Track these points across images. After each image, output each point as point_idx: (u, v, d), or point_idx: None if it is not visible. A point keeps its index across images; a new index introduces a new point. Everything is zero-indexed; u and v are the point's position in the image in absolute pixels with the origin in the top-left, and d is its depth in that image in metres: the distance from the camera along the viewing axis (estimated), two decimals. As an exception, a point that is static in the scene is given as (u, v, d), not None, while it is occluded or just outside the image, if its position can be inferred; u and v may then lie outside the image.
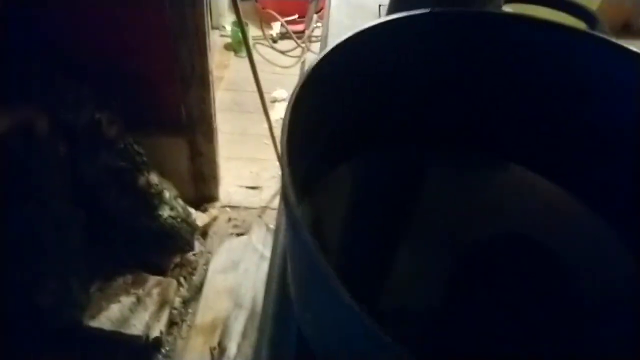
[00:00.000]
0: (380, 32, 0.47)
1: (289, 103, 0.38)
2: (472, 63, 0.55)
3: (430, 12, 0.51)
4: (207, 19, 1.25)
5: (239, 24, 1.24)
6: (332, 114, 0.52)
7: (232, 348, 1.23)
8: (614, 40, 0.51)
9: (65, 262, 1.13)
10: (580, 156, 0.56)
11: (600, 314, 0.53)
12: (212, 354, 1.22)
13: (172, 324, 1.37)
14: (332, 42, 0.42)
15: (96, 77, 1.16)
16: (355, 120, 0.56)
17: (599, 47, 0.51)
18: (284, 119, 0.37)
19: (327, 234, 0.60)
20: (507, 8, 0.70)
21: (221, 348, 1.24)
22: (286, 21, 2.44)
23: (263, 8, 2.43)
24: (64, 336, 1.18)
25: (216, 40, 2.41)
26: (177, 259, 1.44)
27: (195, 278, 1.47)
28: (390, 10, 0.81)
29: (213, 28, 2.40)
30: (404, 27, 0.49)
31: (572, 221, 0.58)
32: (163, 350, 1.32)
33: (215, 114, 1.50)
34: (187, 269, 1.49)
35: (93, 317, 1.20)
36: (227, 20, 2.48)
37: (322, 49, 1.02)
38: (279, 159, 0.37)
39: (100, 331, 1.19)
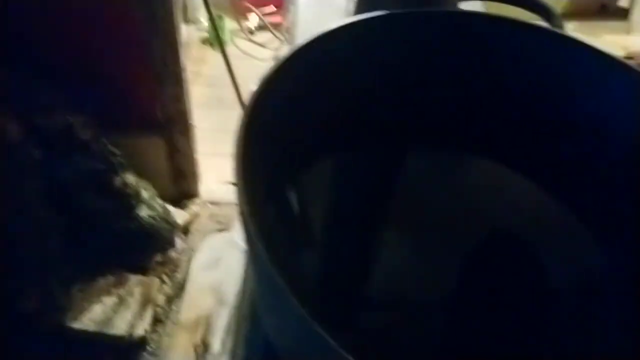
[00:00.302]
0: (341, 35, 0.48)
1: (245, 111, 0.39)
2: (438, 62, 0.56)
3: (390, 13, 0.52)
4: (177, 13, 1.25)
5: (209, 16, 1.24)
6: (300, 113, 0.53)
7: (215, 344, 1.25)
8: (568, 34, 0.52)
9: (45, 266, 1.14)
10: (550, 151, 0.58)
11: (576, 306, 0.55)
12: (195, 351, 1.24)
13: (156, 321, 1.38)
14: (291, 48, 0.43)
15: (68, 80, 1.15)
16: (324, 121, 0.58)
17: (555, 41, 0.53)
18: (238, 128, 0.38)
19: (314, 225, 0.62)
20: (467, 6, 0.71)
21: (205, 345, 1.25)
22: (263, 13, 2.42)
23: (239, 0, 2.42)
24: (48, 340, 1.19)
25: (193, 35, 2.40)
26: (159, 258, 1.45)
27: (179, 275, 1.48)
28: (357, 7, 0.82)
29: (189, 22, 2.38)
30: (364, 29, 0.50)
31: (546, 216, 0.60)
32: (149, 348, 1.34)
33: (191, 111, 1.50)
34: (170, 267, 1.50)
35: (76, 319, 1.20)
36: (203, 14, 2.46)
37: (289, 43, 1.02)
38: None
39: (84, 333, 1.20)
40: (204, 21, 2.41)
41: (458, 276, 0.60)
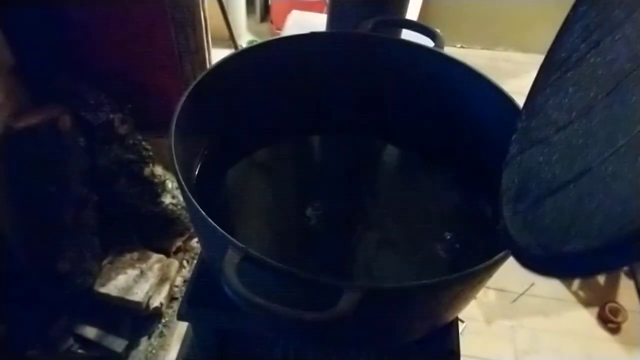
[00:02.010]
0: (264, 50, 0.69)
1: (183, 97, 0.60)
2: (358, 73, 0.75)
3: (311, 33, 0.72)
4: (207, 38, 1.49)
5: (233, 42, 1.46)
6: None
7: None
8: (444, 53, 0.70)
9: (81, 236, 1.37)
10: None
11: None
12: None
13: (173, 299, 1.59)
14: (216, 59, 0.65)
15: (113, 86, 1.41)
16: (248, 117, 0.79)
17: (434, 57, 0.71)
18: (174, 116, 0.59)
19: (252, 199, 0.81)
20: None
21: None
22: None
23: (277, 29, 2.68)
24: (77, 299, 1.42)
25: (234, 58, 2.67)
26: (180, 244, 1.67)
27: (196, 261, 1.69)
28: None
29: (231, 47, 2.66)
30: (288, 45, 0.71)
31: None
32: (163, 320, 1.54)
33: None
34: (190, 254, 1.72)
35: (102, 284, 1.43)
36: (244, 39, 2.74)
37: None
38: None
39: (107, 296, 1.42)
40: (244, 45, 2.68)
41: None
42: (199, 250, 1.72)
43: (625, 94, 0.38)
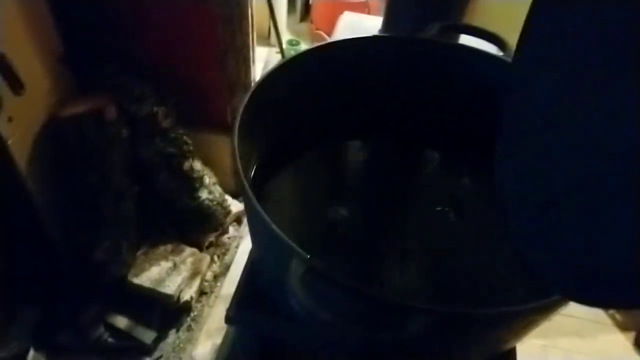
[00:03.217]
0: (331, 51, 0.68)
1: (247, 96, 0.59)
2: (414, 78, 0.73)
3: (374, 36, 0.70)
4: (253, 35, 1.48)
5: (278, 40, 1.46)
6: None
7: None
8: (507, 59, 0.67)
9: (119, 226, 1.38)
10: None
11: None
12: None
13: (202, 293, 1.59)
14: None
15: (158, 79, 1.41)
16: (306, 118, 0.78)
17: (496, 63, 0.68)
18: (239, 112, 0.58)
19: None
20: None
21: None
22: (338, 42, 2.65)
23: (316, 29, 2.66)
24: (110, 288, 1.43)
25: (272, 56, 2.67)
26: (212, 239, 1.67)
27: (227, 258, 1.69)
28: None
29: (271, 45, 2.66)
30: (353, 47, 0.69)
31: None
32: (192, 314, 1.55)
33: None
34: (221, 250, 1.72)
35: (136, 275, 1.44)
36: (284, 38, 2.73)
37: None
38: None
39: (140, 287, 1.43)
40: (284, 45, 2.68)
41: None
42: (230, 247, 1.72)
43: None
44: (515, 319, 0.46)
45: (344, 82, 0.77)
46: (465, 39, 0.73)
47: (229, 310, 0.65)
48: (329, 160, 0.87)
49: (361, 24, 1.09)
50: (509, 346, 0.60)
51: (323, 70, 0.74)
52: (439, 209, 0.76)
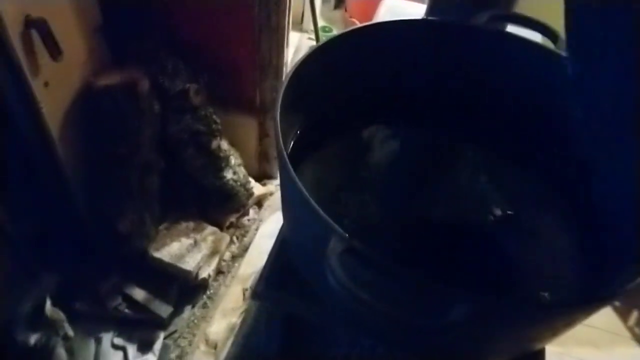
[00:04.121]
0: (365, 33, 0.66)
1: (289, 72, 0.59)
2: (454, 66, 0.72)
3: (422, 19, 0.69)
4: (289, 18, 1.47)
5: (314, 26, 1.44)
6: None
7: (261, 293, 1.44)
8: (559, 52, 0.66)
9: (144, 200, 1.40)
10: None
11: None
12: (244, 293, 1.44)
13: (219, 272, 1.60)
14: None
15: (191, 55, 1.41)
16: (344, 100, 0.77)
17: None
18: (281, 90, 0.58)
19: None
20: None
21: (252, 290, 1.45)
22: (369, 32, 2.62)
23: (350, 17, 2.64)
24: (131, 260, 1.44)
25: (303, 42, 2.65)
26: (233, 220, 1.67)
27: (246, 240, 1.70)
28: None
29: (303, 31, 2.65)
30: (394, 30, 0.68)
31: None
32: (208, 292, 1.56)
33: (285, 103, 1.72)
34: (241, 231, 1.72)
35: (157, 249, 1.45)
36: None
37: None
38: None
39: (160, 261, 1.44)
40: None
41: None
42: (249, 229, 1.73)
43: None
44: (572, 314, 0.45)
45: (381, 66, 0.75)
46: (513, 30, 0.72)
47: (257, 286, 0.64)
48: (359, 146, 0.86)
49: (403, 10, 1.07)
50: (540, 346, 0.59)
51: (361, 53, 0.73)
52: (476, 201, 0.75)
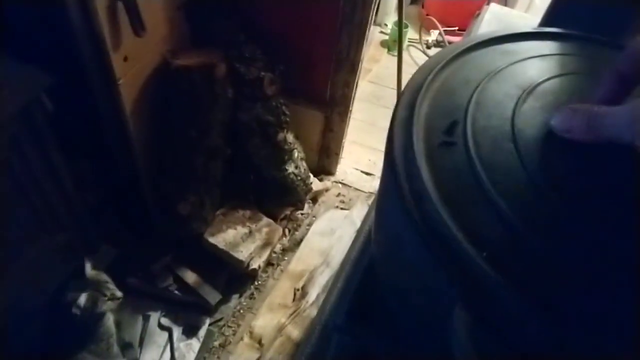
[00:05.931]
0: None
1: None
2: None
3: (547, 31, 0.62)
4: (372, 13, 1.41)
5: (399, 25, 1.38)
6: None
7: (312, 294, 1.41)
8: None
9: (206, 184, 1.38)
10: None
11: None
12: (294, 293, 1.41)
13: (269, 264, 1.58)
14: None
15: (269, 44, 1.38)
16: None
17: None
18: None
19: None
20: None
21: (303, 291, 1.42)
22: (445, 30, 2.53)
23: (427, 14, 2.55)
24: (187, 242, 1.44)
25: (375, 36, 2.59)
26: (288, 213, 1.65)
27: (298, 234, 1.67)
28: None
29: (375, 24, 2.58)
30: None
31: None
32: (256, 283, 1.54)
33: (354, 100, 1.67)
34: (293, 225, 1.70)
35: (212, 234, 1.44)
36: (390, 19, 2.64)
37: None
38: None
39: (214, 247, 1.43)
40: (389, 25, 2.59)
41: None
42: (302, 224, 1.70)
43: None
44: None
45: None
46: None
47: (337, 318, 0.59)
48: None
49: (509, 18, 1.00)
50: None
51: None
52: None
